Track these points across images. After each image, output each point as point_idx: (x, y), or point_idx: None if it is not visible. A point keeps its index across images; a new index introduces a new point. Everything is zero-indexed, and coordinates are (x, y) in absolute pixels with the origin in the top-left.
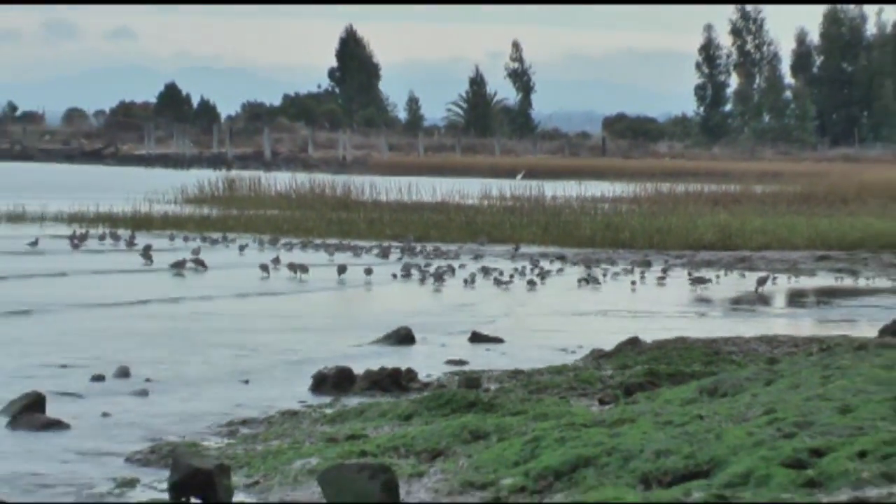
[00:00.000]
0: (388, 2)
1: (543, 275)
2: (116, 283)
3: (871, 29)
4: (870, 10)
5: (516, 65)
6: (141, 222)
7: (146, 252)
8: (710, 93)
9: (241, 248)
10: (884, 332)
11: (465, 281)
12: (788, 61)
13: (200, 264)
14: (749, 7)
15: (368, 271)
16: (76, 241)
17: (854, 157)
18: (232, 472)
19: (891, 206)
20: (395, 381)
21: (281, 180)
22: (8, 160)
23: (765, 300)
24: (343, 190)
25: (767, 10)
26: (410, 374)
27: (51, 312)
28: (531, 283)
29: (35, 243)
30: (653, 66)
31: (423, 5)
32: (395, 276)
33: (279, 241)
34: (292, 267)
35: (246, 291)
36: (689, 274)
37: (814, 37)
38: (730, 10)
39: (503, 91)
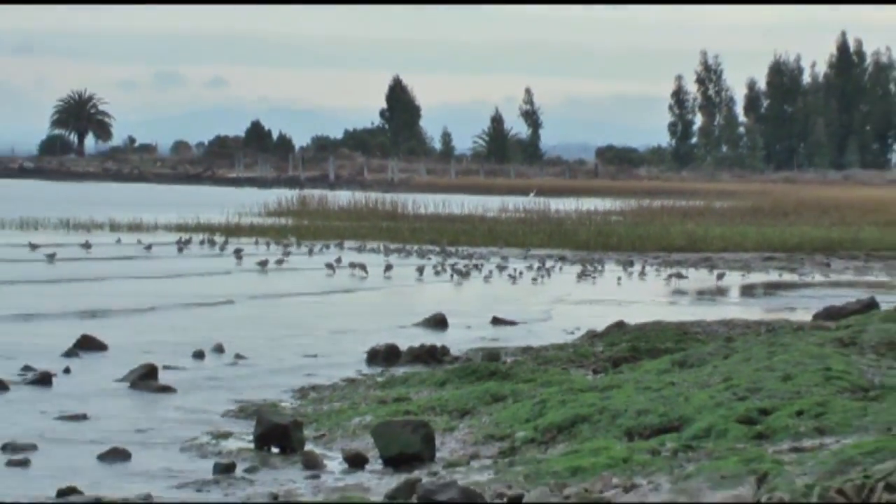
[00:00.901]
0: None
1: (548, 272)
2: (213, 278)
3: (806, 78)
4: (805, 62)
5: (528, 106)
6: (232, 231)
7: (238, 254)
8: (679, 129)
9: (311, 251)
10: (816, 316)
11: (485, 277)
12: (741, 104)
13: (280, 263)
14: (710, 60)
15: (420, 269)
16: (181, 246)
17: (793, 179)
18: (303, 426)
19: (822, 218)
20: (432, 355)
21: (342, 197)
22: (128, 182)
23: (723, 291)
24: (391, 205)
25: (725, 63)
26: (444, 350)
27: (165, 305)
28: (536, 278)
29: (149, 248)
30: (635, 107)
31: (456, 60)
32: (420, 271)
33: (341, 245)
34: (352, 265)
35: (315, 285)
36: (666, 270)
37: (761, 84)
38: (695, 63)
39: (517, 127)
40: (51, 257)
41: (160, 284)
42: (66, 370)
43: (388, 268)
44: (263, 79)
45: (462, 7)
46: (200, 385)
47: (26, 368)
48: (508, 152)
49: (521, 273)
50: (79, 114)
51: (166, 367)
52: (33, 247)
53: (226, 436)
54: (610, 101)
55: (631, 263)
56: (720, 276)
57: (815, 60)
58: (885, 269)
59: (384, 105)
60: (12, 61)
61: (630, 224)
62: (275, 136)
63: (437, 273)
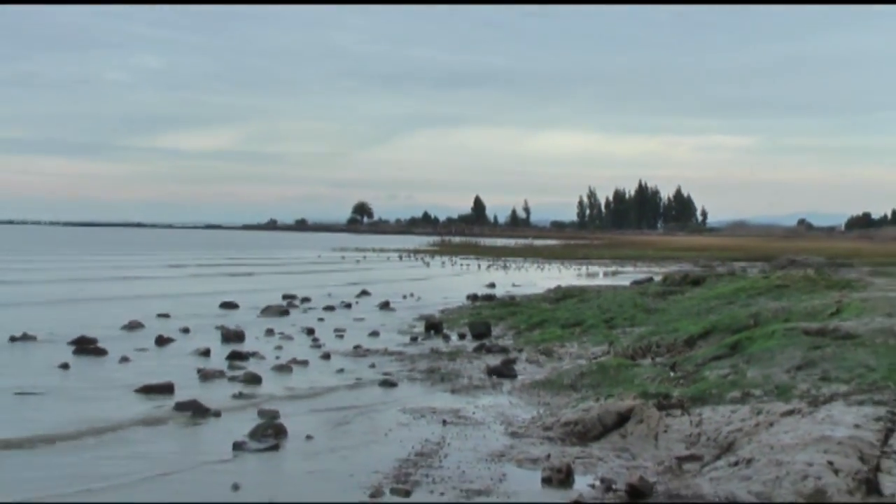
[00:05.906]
0: None
1: (534, 267)
2: (410, 271)
3: (628, 196)
4: (627, 190)
5: (525, 206)
6: (417, 252)
7: (423, 260)
8: (581, 215)
9: (445, 260)
10: (632, 283)
11: (508, 269)
12: (604, 205)
13: (442, 265)
14: (592, 188)
15: (503, 266)
16: (399, 258)
17: (622, 234)
18: (442, 323)
19: (633, 247)
20: (490, 298)
21: (456, 240)
22: (378, 234)
23: (596, 275)
24: (475, 243)
25: (597, 190)
26: (494, 296)
27: (390, 279)
28: (528, 268)
29: (388, 259)
30: (564, 207)
31: (498, 188)
32: (487, 268)
33: (455, 256)
34: (461, 264)
35: (446, 272)
36: (577, 267)
37: (611, 198)
38: (587, 189)
39: (521, 214)
40: (357, 262)
41: (390, 270)
42: (356, 303)
43: (479, 266)
44: (429, 195)
45: (497, 168)
46: (405, 308)
47: (341, 301)
48: (518, 224)
49: (524, 268)
50: (361, 209)
51: (392, 301)
52: (343, 258)
53: (413, 327)
54: (555, 204)
55: (563, 263)
56: (591, 269)
57: (630, 189)
58: (657, 265)
59: (472, 205)
60: (334, 189)
61: (563, 249)
62: (432, 216)
63: (492, 266)
